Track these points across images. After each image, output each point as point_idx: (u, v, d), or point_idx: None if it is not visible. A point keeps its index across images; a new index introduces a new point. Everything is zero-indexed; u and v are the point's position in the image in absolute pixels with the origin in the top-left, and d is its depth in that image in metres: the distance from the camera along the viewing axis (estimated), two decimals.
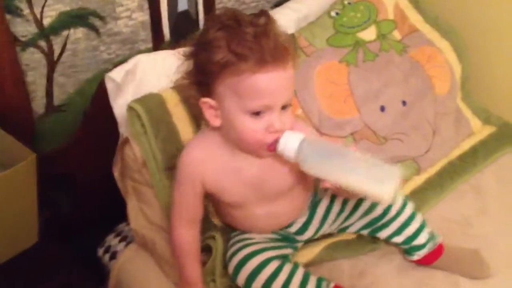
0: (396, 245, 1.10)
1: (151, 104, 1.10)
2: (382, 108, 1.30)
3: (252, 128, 0.89)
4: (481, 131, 1.44)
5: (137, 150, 1.13)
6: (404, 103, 1.33)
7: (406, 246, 1.09)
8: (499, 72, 1.53)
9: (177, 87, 1.12)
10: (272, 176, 0.98)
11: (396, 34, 1.41)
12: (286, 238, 1.09)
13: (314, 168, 0.89)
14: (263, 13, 0.90)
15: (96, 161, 1.29)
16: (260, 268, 0.99)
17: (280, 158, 0.93)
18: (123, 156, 1.19)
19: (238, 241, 1.05)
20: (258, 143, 0.91)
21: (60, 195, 1.34)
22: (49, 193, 1.24)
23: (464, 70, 1.46)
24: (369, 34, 1.37)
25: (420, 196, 1.24)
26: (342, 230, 1.12)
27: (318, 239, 1.13)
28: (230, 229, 1.11)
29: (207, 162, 0.96)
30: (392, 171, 0.88)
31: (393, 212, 1.05)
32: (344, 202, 1.07)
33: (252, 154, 0.95)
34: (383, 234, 1.08)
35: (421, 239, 1.08)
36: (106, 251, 1.25)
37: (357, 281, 1.08)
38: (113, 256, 1.22)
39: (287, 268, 1.00)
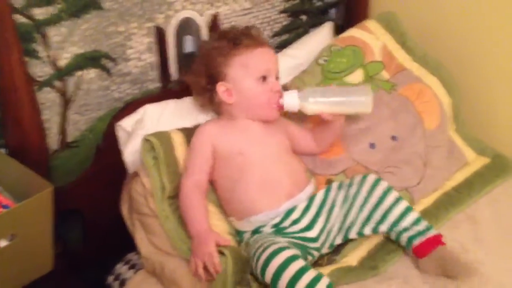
0: (389, 233, 1.17)
1: (163, 139, 1.22)
2: (372, 145, 1.35)
3: (261, 90, 1.21)
4: (475, 161, 1.49)
5: (146, 181, 1.21)
6: (394, 138, 1.38)
7: (395, 231, 1.15)
8: (492, 104, 1.57)
9: (181, 129, 1.27)
10: (269, 135, 1.24)
11: (385, 74, 1.48)
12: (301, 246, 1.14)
13: (313, 107, 1.21)
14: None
15: (106, 196, 1.34)
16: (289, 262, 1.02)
17: (272, 126, 1.25)
18: (130, 192, 1.26)
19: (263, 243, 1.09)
20: (268, 101, 1.22)
21: (70, 228, 1.39)
22: (60, 227, 1.28)
23: (454, 103, 1.51)
24: (356, 77, 1.44)
25: None
26: (346, 234, 1.18)
27: (322, 265, 1.18)
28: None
29: (218, 131, 1.22)
30: (365, 88, 1.26)
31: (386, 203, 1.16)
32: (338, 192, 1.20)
33: (262, 119, 1.23)
34: (383, 227, 1.16)
35: (407, 221, 1.15)
36: (116, 278, 1.29)
37: None
38: (123, 283, 1.26)
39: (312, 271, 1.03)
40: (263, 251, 1.04)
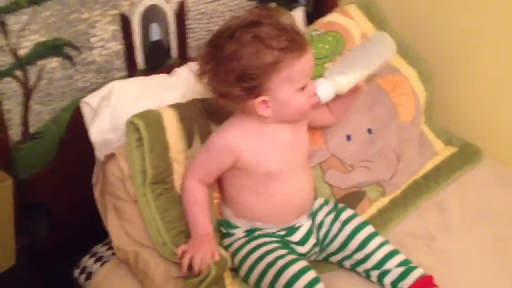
0: (367, 274, 1.13)
1: (150, 120, 1.14)
2: (348, 137, 1.35)
3: (303, 101, 1.07)
4: (443, 152, 1.51)
5: (123, 165, 1.16)
6: (369, 131, 1.38)
7: (378, 271, 1.11)
8: (460, 94, 1.60)
9: (174, 105, 1.19)
10: (298, 138, 1.13)
11: None
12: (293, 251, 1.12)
13: (347, 85, 1.14)
14: (262, 9, 1.07)
15: (71, 188, 1.32)
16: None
17: (300, 123, 1.14)
18: (104, 174, 1.21)
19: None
20: (308, 109, 1.10)
21: (36, 221, 1.36)
22: (24, 220, 1.25)
23: (428, 96, 1.51)
24: None
25: (385, 215, 1.29)
26: (327, 257, 1.17)
27: None
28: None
29: (243, 142, 1.08)
30: (378, 34, 1.23)
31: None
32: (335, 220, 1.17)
33: (296, 121, 1.11)
34: (362, 268, 1.13)
35: (392, 263, 1.10)
36: (82, 272, 1.26)
37: None
38: (89, 277, 1.24)
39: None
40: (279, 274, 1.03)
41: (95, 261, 1.26)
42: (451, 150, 1.51)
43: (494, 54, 1.49)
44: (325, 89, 1.11)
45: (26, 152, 1.28)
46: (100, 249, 1.29)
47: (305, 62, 1.04)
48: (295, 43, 1.02)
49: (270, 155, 1.09)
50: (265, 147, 1.09)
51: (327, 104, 1.20)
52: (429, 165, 1.45)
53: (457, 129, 1.56)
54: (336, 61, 1.21)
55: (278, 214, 1.13)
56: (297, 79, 1.04)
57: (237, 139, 1.08)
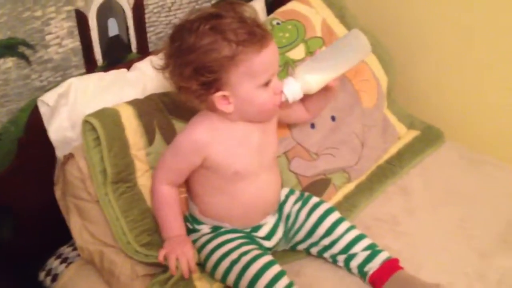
0: (334, 259, 1.14)
1: (107, 118, 1.12)
2: (312, 125, 1.35)
3: (267, 97, 1.03)
4: (406, 135, 1.52)
5: (83, 165, 1.14)
6: (333, 118, 1.39)
7: (345, 256, 1.12)
8: (421, 78, 1.62)
9: (132, 102, 1.18)
10: (267, 139, 1.12)
11: None
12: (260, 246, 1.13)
13: (316, 83, 1.10)
14: (225, 1, 1.03)
15: (35, 189, 1.29)
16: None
17: (268, 122, 1.11)
18: (64, 174, 1.19)
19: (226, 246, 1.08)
20: (274, 107, 1.06)
21: (1, 225, 1.33)
22: None
23: (390, 80, 1.53)
24: (297, 52, 1.41)
25: (351, 200, 1.31)
26: (294, 246, 1.18)
27: None
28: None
29: (212, 141, 1.05)
30: (353, 33, 1.16)
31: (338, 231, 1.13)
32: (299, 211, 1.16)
33: (262, 121, 1.09)
34: (329, 253, 1.14)
35: (358, 247, 1.11)
36: (48, 274, 1.25)
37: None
38: (55, 279, 1.22)
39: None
40: (245, 269, 1.03)
41: (61, 263, 1.24)
42: (414, 133, 1.53)
43: (451, 37, 1.51)
44: (293, 88, 1.07)
45: None
46: (65, 250, 1.27)
47: (265, 57, 1.00)
48: (254, 37, 0.98)
49: (238, 155, 1.07)
50: (233, 147, 1.07)
51: (302, 102, 1.19)
52: (393, 150, 1.47)
53: (420, 113, 1.58)
54: (307, 60, 1.18)
55: (244, 214, 1.12)
56: (258, 75, 1.00)
57: (206, 137, 1.06)
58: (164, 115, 1.19)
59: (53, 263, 1.25)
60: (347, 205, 1.29)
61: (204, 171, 1.09)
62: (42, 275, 1.25)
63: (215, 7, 1.07)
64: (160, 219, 1.10)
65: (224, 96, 1.02)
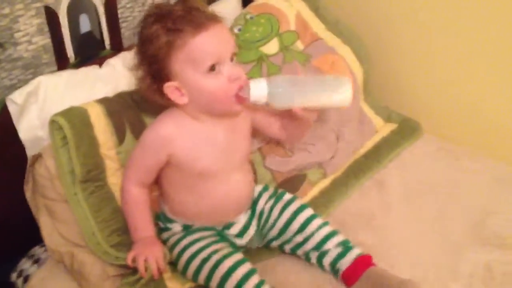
0: (307, 256, 1.13)
1: (74, 118, 1.10)
2: None
3: (217, 84, 1.00)
4: (383, 128, 1.52)
5: (50, 164, 1.13)
6: None
7: (317, 252, 1.11)
8: (397, 70, 1.61)
9: (101, 100, 1.16)
10: (236, 138, 1.10)
11: (299, 45, 1.45)
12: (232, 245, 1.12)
13: (282, 101, 1.03)
14: None
15: (6, 189, 1.27)
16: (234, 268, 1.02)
17: (238, 122, 1.09)
18: (33, 174, 1.18)
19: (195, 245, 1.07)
20: (227, 96, 1.01)
21: None
22: None
23: (365, 73, 1.52)
24: (271, 47, 1.40)
25: (327, 195, 1.30)
26: (268, 243, 1.17)
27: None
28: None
29: (178, 137, 1.04)
30: (344, 80, 1.06)
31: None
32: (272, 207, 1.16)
33: (224, 114, 1.06)
34: (302, 250, 1.13)
35: (330, 244, 1.10)
36: (19, 275, 1.22)
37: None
38: (26, 280, 1.20)
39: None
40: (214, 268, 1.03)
41: (32, 263, 1.22)
42: (391, 126, 1.52)
43: (426, 29, 1.51)
44: (260, 88, 1.01)
45: None
46: (37, 250, 1.25)
47: (204, 40, 0.98)
48: (191, 22, 0.98)
49: (204, 154, 1.06)
50: (198, 145, 1.06)
51: (280, 119, 1.17)
52: (370, 143, 1.47)
53: (397, 106, 1.57)
54: (283, 74, 1.15)
55: (214, 214, 1.12)
56: (199, 60, 0.98)
57: (171, 132, 1.05)
58: (135, 113, 1.18)
59: (25, 264, 1.24)
60: (323, 201, 1.29)
61: (171, 169, 1.08)
62: (14, 276, 1.23)
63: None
64: (129, 221, 1.09)
65: (176, 88, 1.02)
